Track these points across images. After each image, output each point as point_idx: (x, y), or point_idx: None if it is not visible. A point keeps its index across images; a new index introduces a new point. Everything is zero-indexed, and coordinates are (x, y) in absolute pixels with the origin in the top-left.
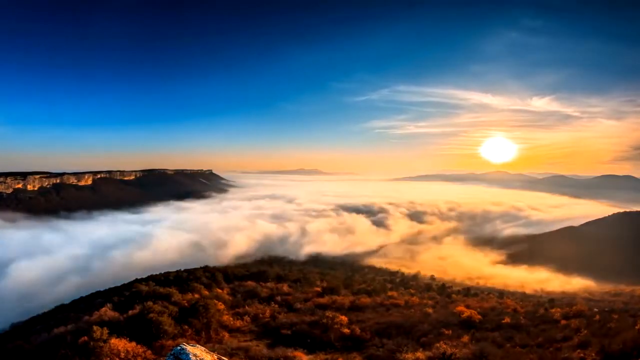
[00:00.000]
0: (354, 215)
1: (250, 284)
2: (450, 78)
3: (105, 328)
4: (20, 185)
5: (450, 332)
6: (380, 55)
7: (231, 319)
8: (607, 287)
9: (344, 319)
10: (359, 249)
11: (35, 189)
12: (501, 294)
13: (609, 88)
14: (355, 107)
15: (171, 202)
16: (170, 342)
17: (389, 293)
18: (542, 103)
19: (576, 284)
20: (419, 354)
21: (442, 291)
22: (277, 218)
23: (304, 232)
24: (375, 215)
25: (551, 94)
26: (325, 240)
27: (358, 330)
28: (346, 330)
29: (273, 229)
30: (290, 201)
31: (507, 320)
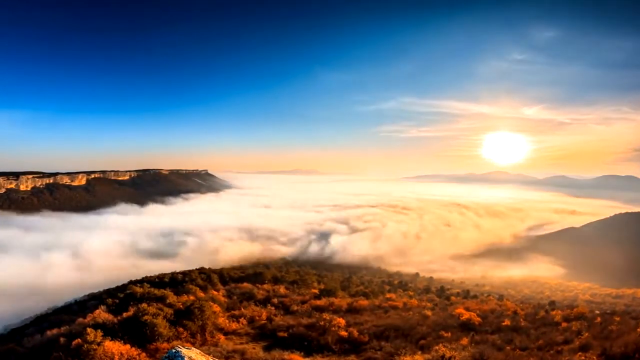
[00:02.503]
0: (359, 215)
1: (247, 285)
2: (450, 93)
3: (99, 330)
4: (12, 186)
5: (450, 334)
6: (392, 76)
7: (227, 321)
8: (609, 289)
9: (342, 321)
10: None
11: (28, 189)
12: (501, 296)
13: (593, 100)
14: (365, 115)
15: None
16: (165, 344)
17: (387, 295)
18: (532, 112)
19: (577, 285)
20: (418, 357)
21: (441, 293)
22: (270, 218)
23: (297, 233)
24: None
25: (539, 104)
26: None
27: (356, 333)
28: (344, 333)
29: (264, 230)
30: (285, 200)
31: (507, 322)
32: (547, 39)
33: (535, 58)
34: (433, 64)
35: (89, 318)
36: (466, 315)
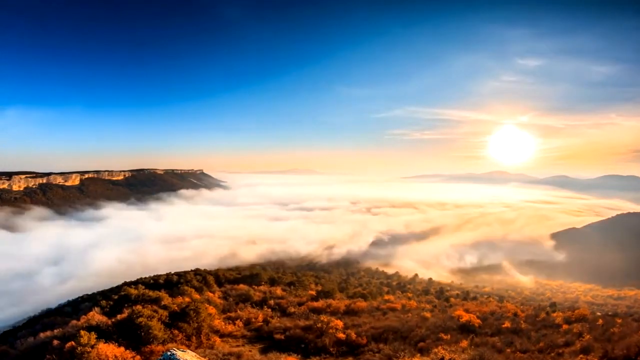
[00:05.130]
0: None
1: (243, 287)
2: (451, 104)
3: (92, 333)
4: (5, 186)
5: (449, 336)
6: (400, 92)
7: (223, 323)
8: (611, 290)
9: (339, 323)
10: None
11: (21, 189)
12: (501, 297)
13: (583, 110)
14: (372, 120)
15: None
16: (160, 347)
17: (386, 297)
18: (526, 118)
19: (579, 287)
20: (417, 359)
21: (440, 295)
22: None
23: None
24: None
25: (531, 112)
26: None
27: (354, 335)
28: (341, 335)
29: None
30: (281, 201)
31: (507, 324)
32: (533, 66)
33: (524, 79)
34: (436, 84)
35: (82, 320)
36: (466, 317)
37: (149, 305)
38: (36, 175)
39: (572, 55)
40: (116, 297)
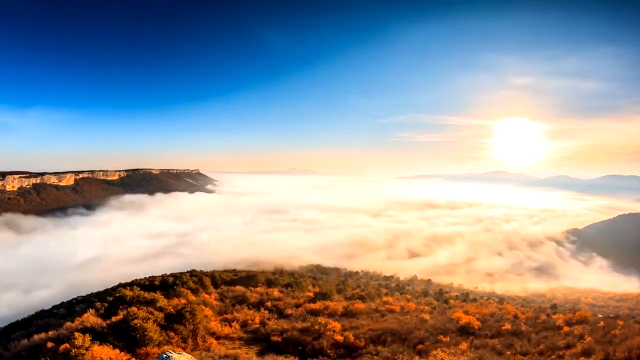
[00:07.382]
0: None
1: (239, 288)
2: (451, 113)
3: (87, 335)
4: None
5: (448, 339)
6: (405, 102)
7: (219, 325)
8: (612, 292)
9: (337, 325)
10: None
11: (15, 189)
12: (501, 299)
13: (576, 117)
14: (375, 124)
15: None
16: (155, 349)
17: (384, 298)
18: (524, 121)
19: (579, 288)
20: None
21: (440, 296)
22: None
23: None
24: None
25: (528, 116)
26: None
27: (351, 337)
28: (339, 337)
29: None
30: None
31: (507, 326)
32: (525, 83)
33: (518, 92)
34: (438, 97)
35: (77, 322)
36: (465, 319)
37: (145, 307)
38: (30, 175)
39: (557, 75)
40: (111, 298)
